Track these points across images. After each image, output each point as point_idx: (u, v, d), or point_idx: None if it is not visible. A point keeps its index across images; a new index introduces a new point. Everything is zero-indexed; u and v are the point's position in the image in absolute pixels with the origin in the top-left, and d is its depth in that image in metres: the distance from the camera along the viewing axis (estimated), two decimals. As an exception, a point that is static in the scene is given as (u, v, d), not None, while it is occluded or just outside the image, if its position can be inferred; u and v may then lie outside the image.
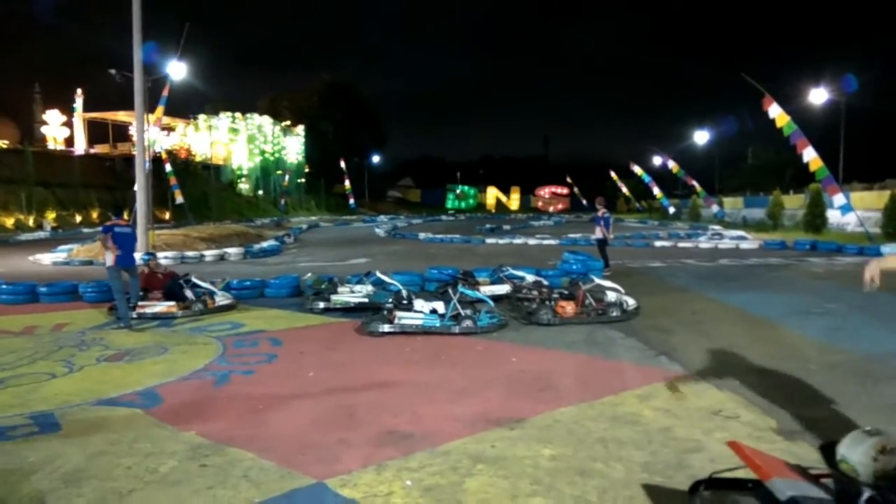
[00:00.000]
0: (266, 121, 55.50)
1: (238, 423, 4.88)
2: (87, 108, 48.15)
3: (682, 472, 3.86)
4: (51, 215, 33.18)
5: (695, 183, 38.67)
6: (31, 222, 31.64)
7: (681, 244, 21.84)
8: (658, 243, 22.23)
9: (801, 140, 21.42)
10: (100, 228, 9.48)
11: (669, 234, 26.30)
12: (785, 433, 4.46)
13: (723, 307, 9.79)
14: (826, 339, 7.53)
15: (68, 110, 48.04)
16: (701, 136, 45.61)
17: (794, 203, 30.77)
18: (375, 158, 72.86)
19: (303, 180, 61.46)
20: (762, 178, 48.07)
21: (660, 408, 5.05)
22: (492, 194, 78.72)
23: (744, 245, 20.77)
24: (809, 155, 21.20)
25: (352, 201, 59.97)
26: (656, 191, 43.56)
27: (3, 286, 11.03)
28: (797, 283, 12.62)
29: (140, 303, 9.37)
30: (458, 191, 77.14)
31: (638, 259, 17.06)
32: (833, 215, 25.01)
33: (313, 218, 49.43)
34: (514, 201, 77.71)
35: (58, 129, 47.72)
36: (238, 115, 53.15)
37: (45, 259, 18.25)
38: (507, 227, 35.73)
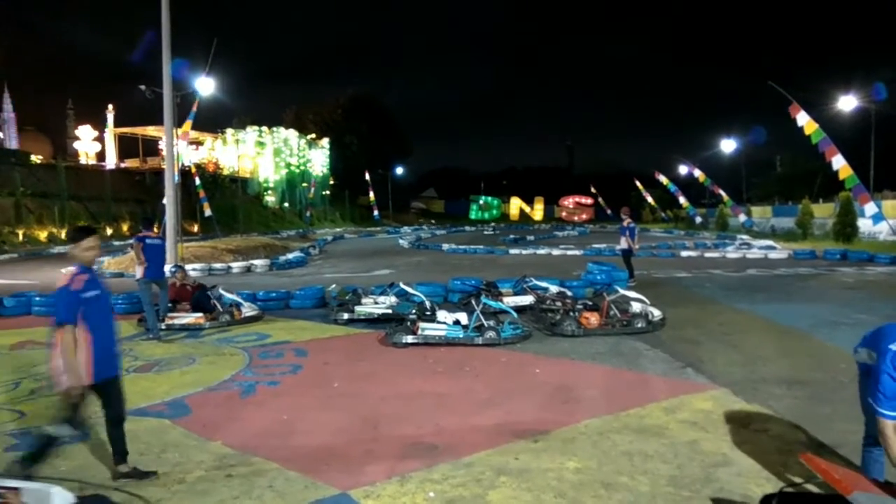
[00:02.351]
0: (292, 134, 56.15)
1: (263, 433, 4.93)
2: (117, 124, 49.29)
3: (709, 486, 3.81)
4: (82, 228, 33.88)
5: (722, 192, 38.21)
6: (63, 235, 32.32)
7: (708, 254, 21.57)
8: (684, 253, 21.98)
9: (830, 148, 21.08)
10: (132, 239, 9.67)
11: (696, 244, 25.99)
12: (815, 447, 4.38)
13: (751, 318, 9.64)
14: (858, 350, 7.37)
15: (100, 126, 49.22)
16: (727, 145, 45.07)
17: (823, 212, 30.20)
18: (399, 170, 73.26)
19: (327, 192, 62.00)
20: (791, 186, 47.24)
21: (686, 420, 4.99)
22: (515, 205, 78.58)
23: (772, 255, 20.44)
24: (839, 163, 20.84)
25: (376, 213, 60.34)
26: (682, 200, 43.15)
27: (36, 298, 11.28)
28: (827, 293, 12.38)
29: (169, 314, 9.53)
30: (481, 201, 77.15)
31: (664, 269, 16.88)
32: (864, 224, 24.50)
33: (338, 230, 49.81)
34: (537, 212, 77.44)
35: (90, 144, 48.85)
36: (264, 128, 53.85)
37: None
38: (530, 237, 35.64)
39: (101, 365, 3.93)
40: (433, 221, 58.92)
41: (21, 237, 29.74)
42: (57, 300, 3.87)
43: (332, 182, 62.72)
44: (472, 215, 74.81)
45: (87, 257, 4.02)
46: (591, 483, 3.87)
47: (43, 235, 31.22)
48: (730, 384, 5.98)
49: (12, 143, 40.38)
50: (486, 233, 46.00)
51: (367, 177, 59.00)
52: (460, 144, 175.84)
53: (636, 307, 8.87)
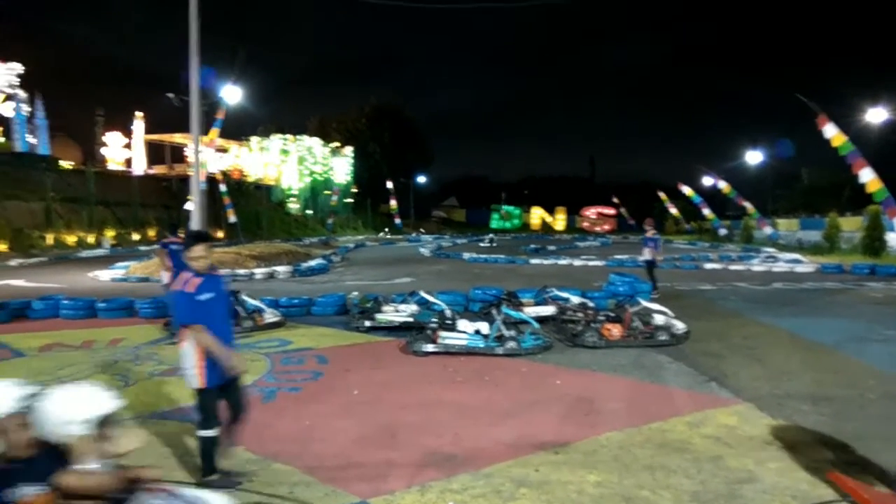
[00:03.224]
0: (316, 142, 56.69)
1: (284, 439, 4.96)
2: (146, 131, 50.04)
3: (733, 502, 3.76)
4: (110, 233, 34.44)
5: (747, 204, 37.75)
6: (91, 240, 32.90)
7: (732, 267, 21.30)
8: (708, 266, 21.73)
9: (859, 160, 20.76)
10: (157, 245, 9.85)
11: (720, 257, 25.67)
12: (841, 465, 4.29)
13: (776, 332, 9.50)
14: (885, 366, 7.22)
15: (128, 132, 50.01)
16: (753, 157, 44.53)
17: (851, 225, 29.66)
18: (421, 178, 73.52)
19: (350, 200, 62.42)
20: (818, 199, 46.57)
21: (710, 435, 4.92)
22: (537, 214, 78.31)
23: (799, 268, 20.12)
24: (867, 176, 20.51)
25: (398, 221, 60.55)
26: (707, 212, 42.70)
27: (64, 301, 11.48)
28: (855, 308, 12.16)
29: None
30: (502, 211, 77.04)
31: (687, 282, 16.71)
32: (893, 238, 24.03)
33: (360, 237, 50.06)
34: (559, 221, 77.10)
35: (118, 151, 49.64)
36: (289, 136, 54.44)
37: (104, 275, 18.91)
38: (551, 247, 35.50)
39: (215, 368, 3.99)
40: (422, 230, 58.51)
41: (50, 241, 30.33)
42: (176, 303, 4.06)
43: (354, 190, 63.15)
44: (493, 224, 74.61)
45: (197, 266, 4.04)
46: (612, 497, 3.84)
47: (71, 240, 31.78)
48: (755, 399, 5.90)
49: (44, 149, 41.15)
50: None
51: (390, 185, 59.27)
52: (482, 153, 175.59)
53: (659, 319, 8.78)
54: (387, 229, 57.94)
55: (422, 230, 58.65)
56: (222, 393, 4.12)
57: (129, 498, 2.50)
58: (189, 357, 3.98)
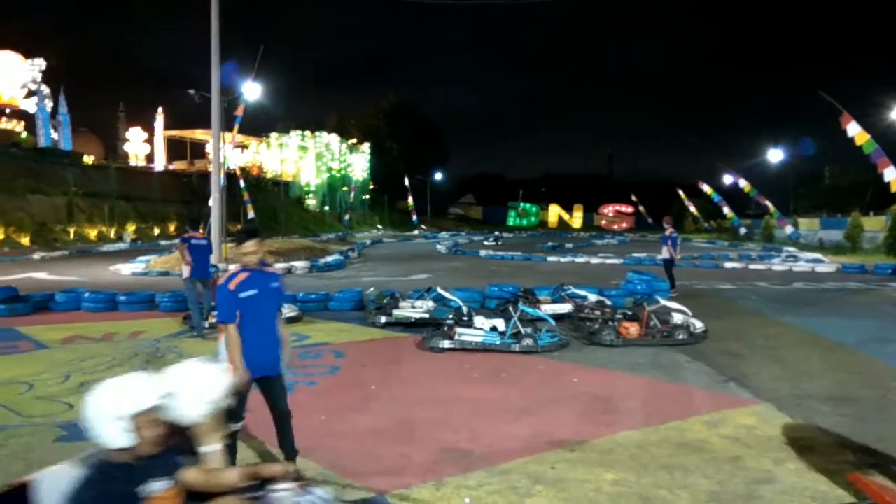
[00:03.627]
0: (334, 139, 56.93)
1: (301, 433, 4.97)
2: (166, 127, 50.54)
3: (751, 503, 3.73)
4: (131, 227, 34.89)
5: (768, 202, 37.28)
6: (112, 234, 33.36)
7: (752, 266, 21.07)
8: (728, 265, 21.51)
9: (883, 159, 20.39)
10: (178, 239, 9.94)
11: (740, 256, 25.41)
12: (862, 467, 4.24)
13: (797, 332, 9.39)
14: (910, 369, 7.11)
15: (149, 128, 50.53)
16: (774, 155, 43.95)
17: (874, 225, 29.22)
18: (438, 175, 73.55)
19: (367, 197, 62.63)
20: (840, 198, 45.90)
21: (729, 435, 4.88)
22: (554, 212, 78.04)
23: (820, 268, 19.87)
24: (891, 174, 20.14)
25: (415, 217, 60.62)
26: (727, 210, 42.22)
27: (86, 295, 11.66)
28: (877, 308, 11.99)
29: (212, 313, 9.72)
30: (519, 208, 76.83)
31: (706, 281, 16.57)
32: (918, 239, 23.63)
33: (376, 233, 50.19)
34: (576, 219, 76.78)
35: (139, 146, 50.15)
36: (307, 133, 54.72)
37: (125, 269, 19.15)
38: (569, 245, 35.35)
39: (255, 364, 3.93)
40: (424, 227, 58.31)
41: (72, 235, 30.77)
42: (218, 299, 3.99)
43: (371, 186, 63.33)
44: (510, 222, 74.51)
45: (246, 261, 3.99)
46: (629, 495, 3.82)
47: (93, 234, 32.24)
48: (774, 399, 5.84)
49: (66, 144, 41.71)
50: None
51: (407, 182, 59.36)
52: (499, 150, 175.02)
53: (677, 318, 8.72)
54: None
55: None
56: (261, 389, 4.07)
57: (261, 495, 2.47)
58: (223, 351, 3.99)
